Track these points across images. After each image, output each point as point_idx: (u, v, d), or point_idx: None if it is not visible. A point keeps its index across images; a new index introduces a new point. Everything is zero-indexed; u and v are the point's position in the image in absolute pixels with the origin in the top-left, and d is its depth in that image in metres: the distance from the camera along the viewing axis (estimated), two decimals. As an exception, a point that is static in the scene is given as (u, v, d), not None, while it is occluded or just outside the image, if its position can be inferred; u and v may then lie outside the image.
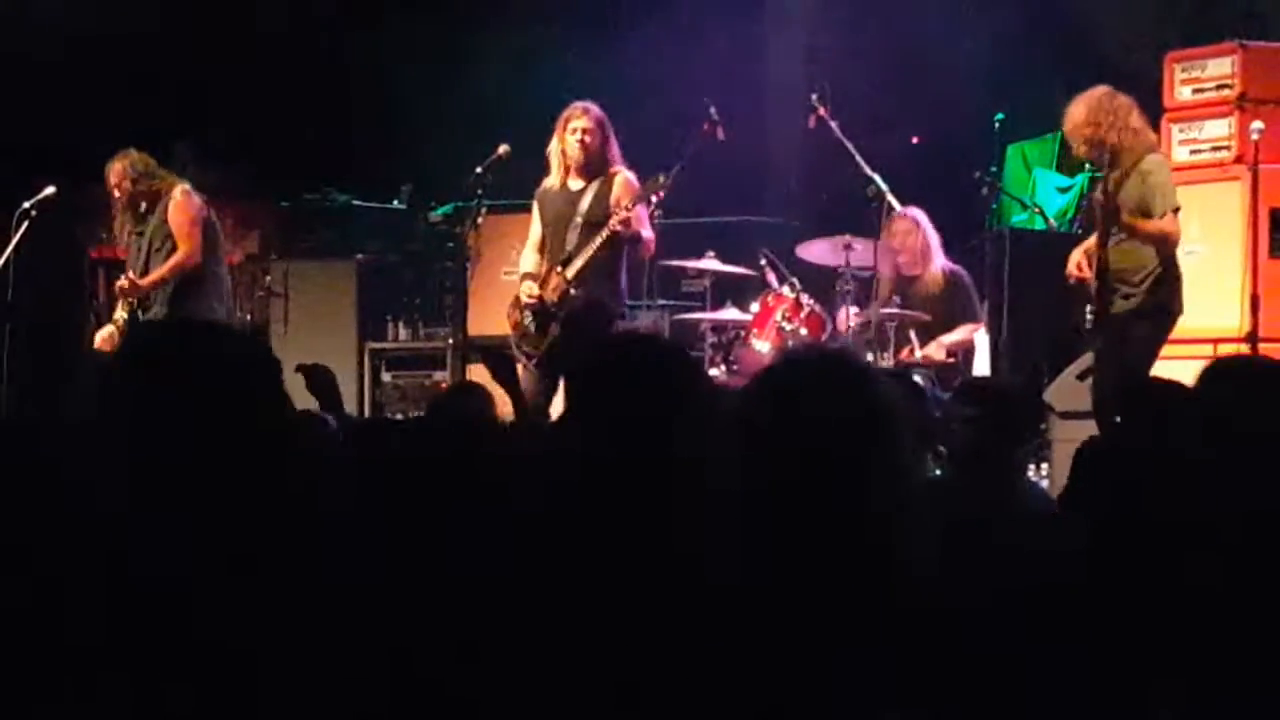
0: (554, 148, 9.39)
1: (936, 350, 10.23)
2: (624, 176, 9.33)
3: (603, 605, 2.67)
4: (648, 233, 9.34)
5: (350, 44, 13.83)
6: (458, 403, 5.74)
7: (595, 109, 9.38)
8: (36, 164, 10.60)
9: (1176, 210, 8.46)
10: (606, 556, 2.77)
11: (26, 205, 9.85)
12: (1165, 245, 8.44)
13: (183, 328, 3.01)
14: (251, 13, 13.33)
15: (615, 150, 9.40)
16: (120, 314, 9.71)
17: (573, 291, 9.21)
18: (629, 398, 3.23)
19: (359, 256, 12.14)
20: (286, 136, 13.07)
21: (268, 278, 12.04)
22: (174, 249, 9.61)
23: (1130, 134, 8.53)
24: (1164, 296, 8.48)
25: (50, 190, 9.91)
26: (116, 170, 9.67)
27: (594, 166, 9.33)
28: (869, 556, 2.56)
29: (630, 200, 9.15)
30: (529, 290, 9.33)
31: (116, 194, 9.70)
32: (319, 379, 5.86)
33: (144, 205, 9.68)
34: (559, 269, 9.27)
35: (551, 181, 9.46)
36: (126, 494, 2.59)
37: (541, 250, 9.48)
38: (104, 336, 9.76)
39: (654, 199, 9.48)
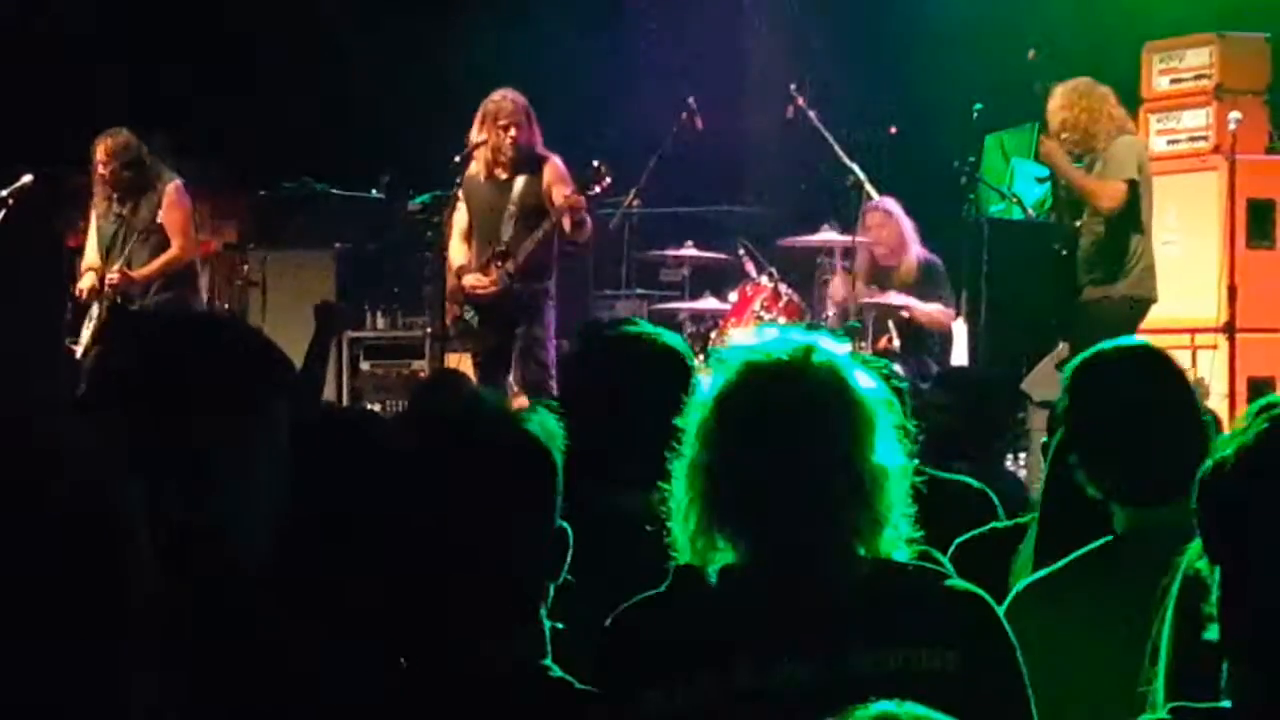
0: (479, 139, 9.17)
1: (900, 302, 10.13)
2: (553, 163, 9.16)
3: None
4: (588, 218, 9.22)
5: (329, 34, 13.80)
6: (440, 392, 5.74)
7: (520, 100, 9.16)
8: (13, 153, 10.57)
9: (1129, 182, 8.48)
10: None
11: (3, 193, 9.82)
12: (1099, 203, 8.45)
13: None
14: (233, 4, 13.31)
15: (539, 135, 9.20)
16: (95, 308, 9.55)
17: (517, 286, 9.10)
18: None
19: (337, 246, 12.12)
20: (264, 125, 13.04)
21: (245, 267, 12.01)
22: (161, 242, 9.54)
23: (1105, 119, 8.58)
24: (1133, 283, 8.50)
25: (28, 179, 9.86)
26: (107, 147, 9.57)
27: (521, 155, 9.15)
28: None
29: (569, 190, 9.00)
30: (475, 281, 9.18)
31: (101, 171, 9.61)
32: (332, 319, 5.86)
33: (126, 191, 9.59)
34: (498, 262, 9.15)
35: (476, 170, 9.28)
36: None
37: (468, 240, 9.34)
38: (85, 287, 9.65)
39: (598, 188, 9.35)
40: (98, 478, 2.02)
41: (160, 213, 9.56)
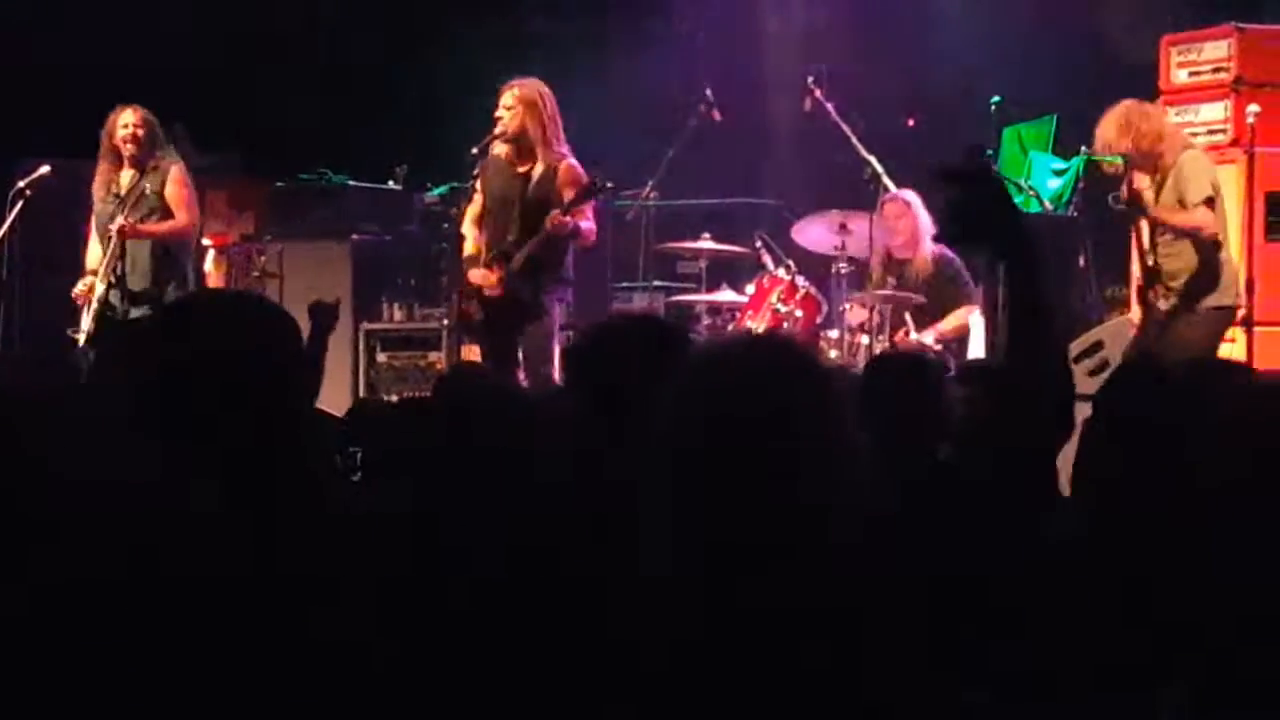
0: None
1: (927, 336, 10.21)
2: (568, 165, 9.01)
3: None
4: (586, 224, 9.05)
5: (346, 25, 13.82)
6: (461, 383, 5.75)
7: (528, 85, 9.05)
8: (31, 144, 10.58)
9: (1209, 201, 8.45)
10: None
11: (21, 184, 9.82)
12: (1197, 236, 8.46)
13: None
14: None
15: (554, 130, 9.05)
16: (98, 285, 9.45)
17: (513, 286, 8.98)
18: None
19: (354, 237, 12.11)
20: (281, 117, 13.05)
21: (262, 258, 12.00)
22: (162, 221, 9.48)
23: (1165, 140, 8.57)
24: (1203, 294, 8.47)
25: (45, 169, 9.87)
26: (137, 118, 9.51)
27: (526, 146, 9.04)
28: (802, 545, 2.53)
29: (568, 201, 8.89)
30: (479, 279, 9.09)
31: (127, 139, 9.50)
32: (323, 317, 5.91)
33: (138, 165, 9.54)
34: (501, 261, 9.05)
35: (499, 152, 9.17)
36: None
37: (479, 224, 9.23)
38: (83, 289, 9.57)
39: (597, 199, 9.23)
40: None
41: (165, 189, 9.48)
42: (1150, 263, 8.57)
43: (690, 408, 2.56)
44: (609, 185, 9.26)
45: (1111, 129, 8.63)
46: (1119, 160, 8.61)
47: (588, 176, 8.99)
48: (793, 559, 2.48)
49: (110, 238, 9.41)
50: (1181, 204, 8.50)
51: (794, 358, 2.62)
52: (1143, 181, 8.70)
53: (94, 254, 9.63)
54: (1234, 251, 9.41)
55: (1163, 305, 8.55)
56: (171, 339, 2.82)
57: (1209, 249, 8.48)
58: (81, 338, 9.48)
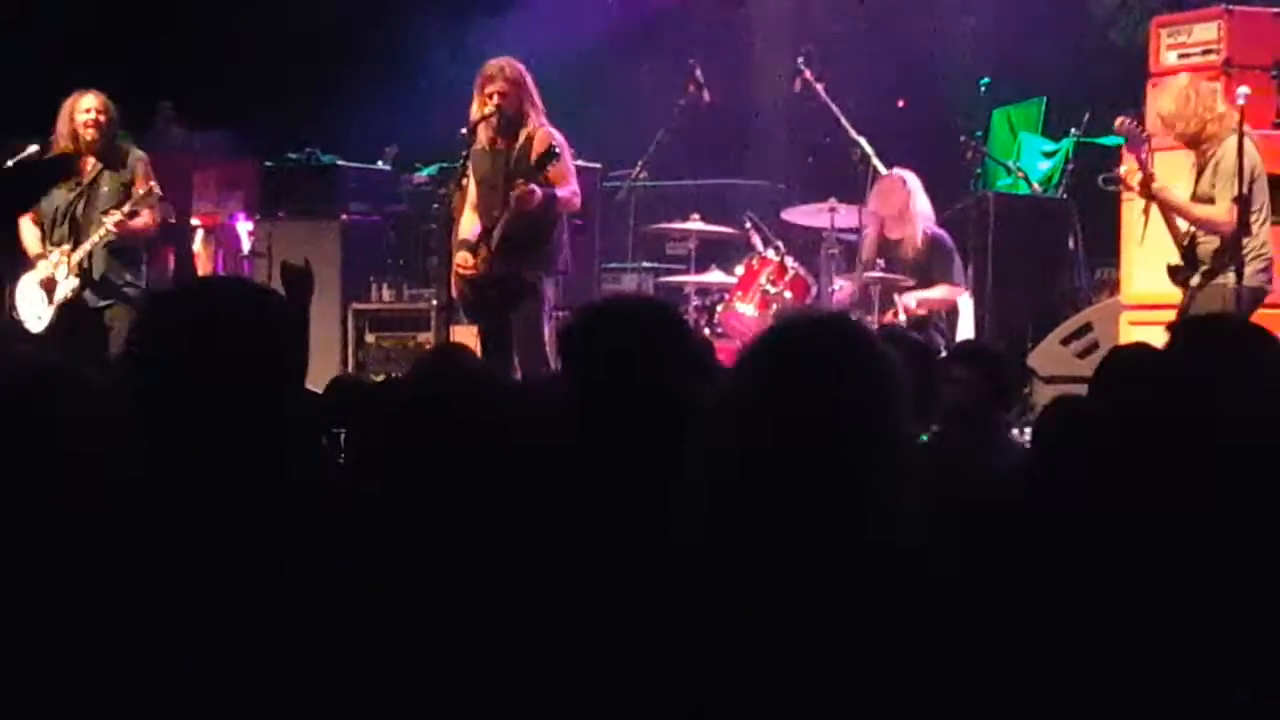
0: (476, 111, 8.99)
1: (910, 300, 10.15)
2: (545, 132, 8.94)
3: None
4: (563, 191, 8.91)
5: (339, 4, 13.81)
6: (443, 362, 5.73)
7: (512, 66, 8.99)
8: (18, 123, 10.55)
9: (1237, 199, 8.42)
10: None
11: (9, 164, 9.79)
12: (1217, 231, 8.46)
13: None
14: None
15: (536, 107, 9.00)
16: (71, 279, 9.40)
17: (495, 266, 8.89)
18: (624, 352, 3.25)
19: (343, 217, 12.11)
20: (270, 96, 13.03)
21: (251, 238, 11.99)
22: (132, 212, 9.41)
23: (1215, 121, 8.56)
24: (1226, 270, 8.46)
25: (33, 149, 9.83)
26: (99, 103, 9.41)
27: (513, 127, 8.97)
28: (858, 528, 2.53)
29: (552, 169, 8.80)
30: (461, 261, 8.98)
31: (89, 124, 9.38)
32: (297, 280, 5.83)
33: (101, 156, 9.48)
34: (486, 240, 8.93)
35: (480, 143, 9.09)
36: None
37: (474, 211, 9.12)
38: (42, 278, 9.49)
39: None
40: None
41: (135, 188, 9.39)
42: (1186, 243, 8.58)
43: (756, 400, 2.54)
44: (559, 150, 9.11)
45: (1169, 103, 8.67)
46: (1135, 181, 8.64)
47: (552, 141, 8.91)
48: (864, 553, 2.48)
49: (74, 223, 9.36)
50: (1213, 193, 8.51)
51: (868, 344, 2.61)
52: (1172, 167, 8.70)
53: (33, 236, 9.55)
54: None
55: (1194, 283, 8.56)
56: (176, 329, 2.82)
57: (1235, 232, 8.47)
58: (39, 326, 9.44)
